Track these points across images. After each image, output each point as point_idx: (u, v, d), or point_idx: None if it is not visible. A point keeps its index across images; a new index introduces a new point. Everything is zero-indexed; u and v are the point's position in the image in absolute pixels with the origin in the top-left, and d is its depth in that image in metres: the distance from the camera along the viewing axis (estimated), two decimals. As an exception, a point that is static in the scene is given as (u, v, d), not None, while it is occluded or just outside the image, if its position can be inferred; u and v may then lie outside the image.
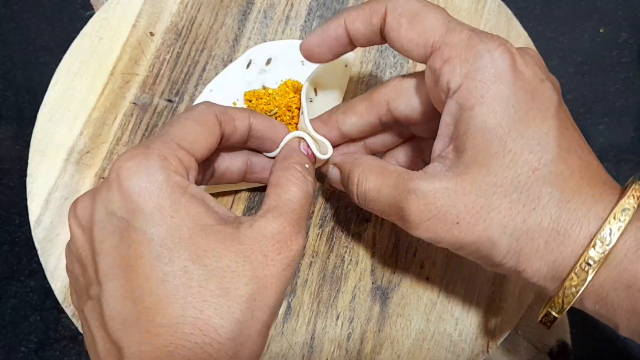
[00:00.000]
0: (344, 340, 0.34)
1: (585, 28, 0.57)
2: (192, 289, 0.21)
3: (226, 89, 0.36)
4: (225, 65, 0.37)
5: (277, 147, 0.30)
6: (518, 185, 0.22)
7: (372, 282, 0.35)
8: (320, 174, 0.33)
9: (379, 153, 0.32)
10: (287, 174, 0.26)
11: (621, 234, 0.21)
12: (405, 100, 0.28)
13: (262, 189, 0.36)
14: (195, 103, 0.37)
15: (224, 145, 0.27)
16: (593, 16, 0.57)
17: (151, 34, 0.38)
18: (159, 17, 0.38)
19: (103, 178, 0.36)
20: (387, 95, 0.28)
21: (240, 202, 0.36)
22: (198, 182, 0.28)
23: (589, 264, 0.22)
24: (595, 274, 0.22)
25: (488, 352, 0.34)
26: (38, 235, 0.35)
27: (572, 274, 0.22)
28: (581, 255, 0.22)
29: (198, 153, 0.24)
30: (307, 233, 0.35)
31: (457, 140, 0.24)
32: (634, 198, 0.22)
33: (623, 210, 0.22)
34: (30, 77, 0.52)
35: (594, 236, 0.22)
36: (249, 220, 0.23)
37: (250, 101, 0.35)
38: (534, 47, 0.39)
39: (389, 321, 0.34)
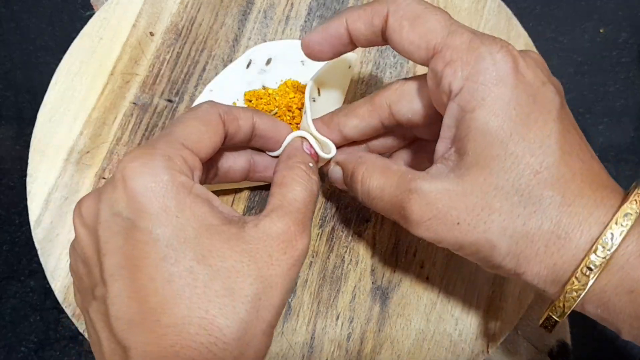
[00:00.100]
0: (344, 340, 0.34)
1: (585, 28, 0.57)
2: (197, 289, 0.21)
3: (226, 89, 0.36)
4: (225, 65, 0.37)
5: (280, 146, 0.30)
6: (519, 188, 0.22)
7: (372, 282, 0.35)
8: (321, 174, 0.33)
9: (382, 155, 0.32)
10: (291, 173, 0.26)
11: (623, 239, 0.21)
12: (407, 104, 0.28)
13: (263, 187, 0.36)
14: (195, 103, 0.37)
15: (228, 144, 0.27)
16: (593, 16, 0.57)
17: (151, 34, 0.38)
18: (159, 17, 0.38)
19: (103, 178, 0.36)
20: (389, 98, 0.28)
21: (241, 202, 0.36)
22: (202, 182, 0.28)
23: (590, 269, 0.22)
24: (596, 279, 0.22)
25: (488, 352, 0.34)
26: (38, 235, 0.35)
27: (573, 278, 0.22)
28: (582, 259, 0.22)
29: (202, 153, 0.24)
30: (307, 233, 0.35)
31: (458, 142, 0.24)
32: (636, 203, 0.22)
33: (625, 215, 0.22)
34: (30, 77, 0.52)
35: (596, 241, 0.22)
36: (253, 220, 0.23)
37: (250, 101, 0.35)
38: (534, 47, 0.39)
39: (389, 321, 0.34)
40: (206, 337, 0.20)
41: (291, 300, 0.34)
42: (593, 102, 0.55)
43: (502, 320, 0.35)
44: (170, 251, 0.21)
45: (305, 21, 0.39)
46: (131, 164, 0.22)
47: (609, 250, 0.21)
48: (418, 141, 0.31)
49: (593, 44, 0.56)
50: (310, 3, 0.39)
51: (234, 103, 0.36)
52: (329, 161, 0.30)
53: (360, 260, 0.35)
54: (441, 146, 0.25)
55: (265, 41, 0.38)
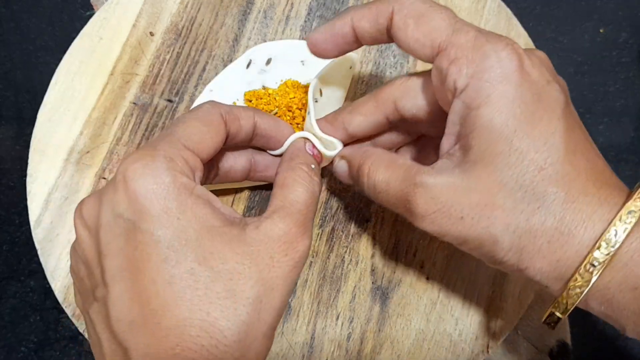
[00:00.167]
0: (344, 340, 0.34)
1: (585, 28, 0.56)
2: (198, 291, 0.21)
3: (226, 89, 0.36)
4: (225, 65, 0.37)
5: (282, 145, 0.30)
6: (523, 184, 0.22)
7: (372, 282, 0.35)
8: (323, 172, 0.33)
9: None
10: (293, 174, 0.26)
11: (627, 236, 0.21)
12: (411, 99, 0.28)
13: (264, 187, 0.36)
14: (195, 103, 0.37)
15: (229, 144, 0.27)
16: (593, 16, 0.57)
17: (151, 34, 0.38)
18: (159, 17, 0.38)
19: (103, 178, 0.36)
20: (393, 94, 0.28)
21: (241, 202, 0.36)
22: (202, 182, 0.28)
23: (593, 265, 0.22)
24: (599, 276, 0.22)
25: (488, 352, 0.34)
26: (38, 235, 0.35)
27: (577, 274, 0.22)
28: (586, 256, 0.22)
29: (204, 153, 0.24)
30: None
31: (463, 139, 0.24)
32: None
33: (629, 212, 0.22)
34: (30, 77, 0.52)
35: (599, 237, 0.22)
36: (255, 221, 0.23)
37: (250, 101, 0.35)
38: (533, 47, 0.39)
39: (389, 321, 0.34)
40: (207, 339, 0.20)
41: (291, 300, 0.34)
42: (593, 102, 0.55)
43: (502, 320, 0.35)
44: (171, 253, 0.21)
45: (305, 21, 0.39)
46: (132, 166, 0.22)
47: (612, 247, 0.21)
48: (423, 138, 0.31)
49: (593, 44, 0.56)
50: (310, 3, 0.39)
51: (234, 103, 0.36)
52: (334, 160, 0.30)
53: (360, 260, 0.35)
54: (446, 142, 0.25)
55: (265, 41, 0.38)
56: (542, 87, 0.23)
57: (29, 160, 0.36)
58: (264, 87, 0.36)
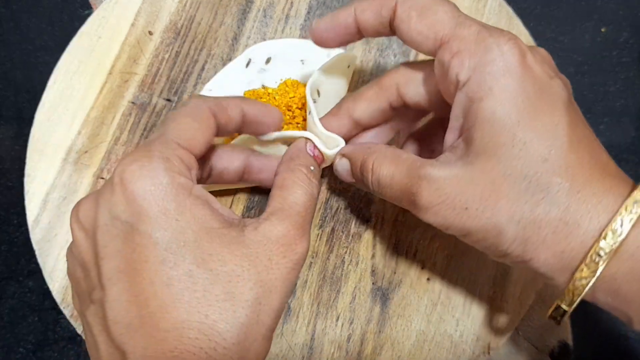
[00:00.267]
0: (344, 341, 0.34)
1: (585, 28, 0.56)
2: (197, 293, 0.21)
3: (225, 88, 0.36)
4: (224, 64, 0.37)
5: (271, 130, 0.30)
6: (527, 174, 0.22)
7: (373, 283, 0.34)
8: (323, 172, 0.33)
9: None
10: (292, 176, 0.26)
11: (633, 226, 0.21)
12: (415, 87, 0.28)
13: (262, 188, 0.36)
14: (194, 102, 0.36)
15: (220, 136, 0.27)
16: (593, 16, 0.57)
17: (150, 33, 0.38)
18: (158, 16, 0.38)
19: (102, 178, 0.35)
20: (396, 80, 0.28)
21: (240, 203, 0.36)
22: (197, 180, 0.28)
23: (599, 255, 0.21)
24: (606, 266, 0.21)
25: (489, 353, 0.34)
26: (36, 235, 0.34)
27: (582, 265, 0.22)
28: (591, 246, 0.22)
29: (197, 149, 0.24)
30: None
31: (466, 131, 0.24)
32: None
33: (635, 202, 0.21)
34: (30, 77, 0.52)
35: (605, 227, 0.21)
36: (253, 223, 0.23)
37: (250, 101, 0.35)
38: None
39: (389, 322, 0.34)
40: (206, 342, 0.20)
41: (291, 301, 0.34)
42: (593, 102, 0.54)
43: (503, 320, 0.34)
44: (169, 255, 0.21)
45: (305, 20, 0.39)
46: (130, 167, 0.22)
47: (618, 236, 0.21)
48: (426, 133, 0.32)
49: (593, 44, 0.56)
50: (310, 2, 0.39)
51: (234, 102, 0.35)
52: (333, 160, 0.30)
53: (360, 260, 0.35)
54: (450, 136, 0.25)
55: (264, 40, 0.38)
56: (545, 81, 0.23)
57: (27, 160, 0.36)
58: (263, 86, 0.36)
